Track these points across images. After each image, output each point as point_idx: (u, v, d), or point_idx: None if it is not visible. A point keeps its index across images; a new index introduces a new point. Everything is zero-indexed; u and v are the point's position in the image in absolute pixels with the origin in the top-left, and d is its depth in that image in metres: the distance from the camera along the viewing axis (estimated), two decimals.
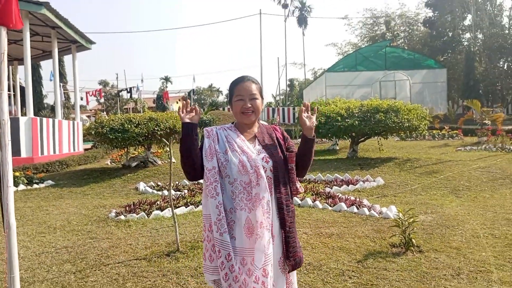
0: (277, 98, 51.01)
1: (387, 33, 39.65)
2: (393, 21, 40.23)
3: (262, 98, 2.26)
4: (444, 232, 4.83)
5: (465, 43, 34.03)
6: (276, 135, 2.27)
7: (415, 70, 26.32)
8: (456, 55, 33.56)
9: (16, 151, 11.03)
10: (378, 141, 11.53)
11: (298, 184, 2.27)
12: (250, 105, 2.15)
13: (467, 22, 34.78)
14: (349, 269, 3.76)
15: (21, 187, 8.59)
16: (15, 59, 17.99)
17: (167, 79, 63.77)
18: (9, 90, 20.85)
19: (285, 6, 51.06)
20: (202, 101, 63.61)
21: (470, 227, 5.05)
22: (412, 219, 4.31)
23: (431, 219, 5.42)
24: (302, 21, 51.61)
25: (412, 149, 12.51)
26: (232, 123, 2.30)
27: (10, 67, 20.69)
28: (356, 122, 9.89)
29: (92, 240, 4.80)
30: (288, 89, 56.29)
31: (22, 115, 13.51)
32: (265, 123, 2.36)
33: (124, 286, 3.50)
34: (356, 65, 27.35)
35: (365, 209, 5.75)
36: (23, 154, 11.24)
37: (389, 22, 39.46)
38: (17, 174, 8.86)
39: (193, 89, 50.15)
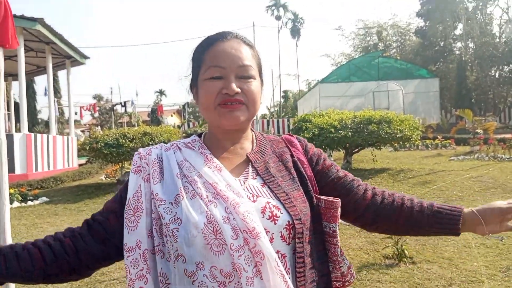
0: (272, 109, 51.31)
1: (380, 44, 40.10)
2: (385, 31, 40.72)
3: (262, 81, 1.16)
4: (436, 243, 4.88)
5: (457, 52, 34.47)
6: (294, 155, 1.16)
7: (408, 80, 26.57)
8: (448, 64, 33.96)
9: (10, 168, 10.98)
10: (371, 152, 11.61)
11: (345, 265, 1.16)
12: (237, 89, 1.05)
13: (458, 31, 35.28)
14: None
15: (15, 204, 8.58)
16: (9, 75, 18.01)
17: (161, 92, 64.00)
18: None
19: (278, 18, 51.76)
20: (197, 114, 63.80)
21: (462, 237, 5.10)
22: None
23: None
24: (295, 32, 52.24)
25: (405, 160, 12.59)
26: (199, 134, 1.20)
27: (4, 83, 20.72)
28: (349, 134, 9.97)
29: None
30: (282, 100, 56.62)
31: (16, 132, 13.53)
32: (270, 135, 1.26)
33: None
34: (349, 76, 27.59)
35: None
36: (18, 171, 11.23)
37: (381, 33, 39.93)
38: (11, 191, 8.84)
39: (188, 102, 50.30)
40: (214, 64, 1.06)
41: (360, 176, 8.06)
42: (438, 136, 16.67)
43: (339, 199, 1.11)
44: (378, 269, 4.06)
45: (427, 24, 34.61)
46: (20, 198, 8.85)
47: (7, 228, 2.78)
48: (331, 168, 1.20)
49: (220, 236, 0.94)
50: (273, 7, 51.89)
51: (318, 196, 1.12)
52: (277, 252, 0.97)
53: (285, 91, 58.63)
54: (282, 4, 51.67)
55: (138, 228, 1.01)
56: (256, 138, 1.18)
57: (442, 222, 1.15)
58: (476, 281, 3.74)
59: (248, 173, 1.08)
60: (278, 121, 30.95)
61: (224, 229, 0.94)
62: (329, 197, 1.10)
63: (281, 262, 0.97)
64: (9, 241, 2.73)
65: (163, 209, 0.99)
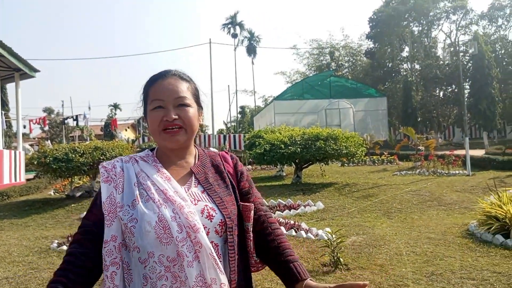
0: (229, 125, 51.57)
1: (332, 63, 41.56)
2: (337, 51, 42.28)
3: (200, 106, 1.44)
4: (371, 251, 5.26)
5: (403, 73, 36.29)
6: (225, 168, 1.45)
7: (358, 99, 27.71)
8: (396, 84, 35.67)
9: None
10: (320, 167, 12.09)
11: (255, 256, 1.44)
12: (175, 116, 1.32)
13: (405, 53, 37.28)
14: (282, 287, 4.06)
15: None
16: None
17: (116, 106, 62.78)
18: None
19: (234, 35, 52.34)
20: None
21: (395, 246, 5.52)
22: (340, 240, 4.70)
23: (361, 240, 5.86)
24: (251, 50, 52.94)
25: (353, 174, 13.17)
26: (152, 149, 1.46)
27: None
28: (298, 149, 10.39)
29: (33, 271, 4.83)
30: (239, 116, 57.08)
31: None
32: (213, 150, 1.58)
33: None
34: (303, 94, 28.38)
35: (303, 232, 6.12)
36: None
37: (333, 53, 41.41)
38: None
39: (143, 117, 49.63)
40: (156, 97, 1.34)
41: (309, 190, 8.43)
42: (385, 152, 17.50)
43: (253, 204, 1.40)
44: (315, 276, 4.35)
45: (376, 46, 36.34)
46: None
47: None
48: (248, 189, 1.47)
49: (168, 231, 1.20)
50: (230, 25, 52.48)
51: (240, 200, 1.40)
52: (212, 242, 1.24)
53: (242, 107, 59.16)
54: (239, 23, 52.40)
55: (113, 225, 1.24)
56: (198, 154, 1.44)
57: (288, 277, 1.34)
58: (402, 285, 4.10)
59: (191, 182, 1.35)
60: (234, 136, 31.22)
61: (171, 226, 1.20)
62: (245, 203, 1.40)
63: (215, 250, 1.23)
64: None
65: (122, 213, 1.24)
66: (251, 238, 1.39)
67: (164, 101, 1.33)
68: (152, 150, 1.45)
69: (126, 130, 46.36)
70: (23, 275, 4.69)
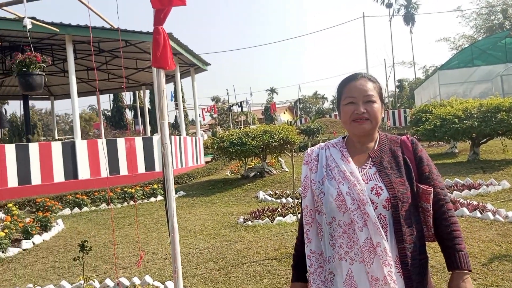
0: (386, 100, 49.53)
1: (506, 22, 36.35)
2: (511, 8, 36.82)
3: (383, 102, 1.74)
4: None
5: None
6: (404, 154, 1.69)
7: None
8: None
9: (151, 166, 12.54)
10: (502, 142, 10.84)
11: (433, 229, 1.67)
12: (364, 110, 1.64)
13: None
14: (474, 271, 3.84)
15: (159, 197, 9.81)
16: (142, 84, 20.24)
17: (272, 91, 65.65)
18: (138, 111, 23.51)
19: (389, 5, 49.71)
20: (308, 109, 64.24)
21: None
22: None
23: None
24: (409, 18, 49.69)
25: None
26: (344, 137, 1.82)
27: (138, 92, 23.29)
28: (476, 123, 9.48)
29: (227, 243, 5.47)
30: (397, 90, 54.29)
31: (151, 135, 15.21)
32: (393, 135, 1.80)
33: (261, 282, 4.04)
34: (472, 60, 25.51)
35: (489, 214, 5.63)
36: (157, 168, 12.70)
37: (506, 10, 36.15)
38: (155, 186, 10.14)
39: (299, 99, 51.05)
40: (349, 95, 1.70)
41: (489, 168, 7.74)
42: None
43: (432, 188, 1.64)
44: (511, 261, 4.00)
45: None
46: (162, 192, 10.08)
47: (174, 214, 3.38)
48: (428, 174, 1.69)
49: (344, 203, 1.58)
50: None
51: (418, 184, 1.64)
52: (380, 214, 1.56)
53: (399, 80, 56.14)
54: None
55: (306, 197, 1.70)
56: (379, 139, 1.74)
57: (450, 262, 1.62)
58: None
59: (367, 165, 1.67)
60: (393, 112, 29.91)
61: (346, 199, 1.58)
62: (425, 186, 1.64)
63: (383, 221, 1.56)
64: (176, 225, 3.33)
65: (315, 187, 1.68)
66: (431, 216, 1.64)
67: (355, 98, 1.67)
68: (344, 137, 1.81)
69: (284, 113, 48.20)
70: (220, 246, 5.35)
